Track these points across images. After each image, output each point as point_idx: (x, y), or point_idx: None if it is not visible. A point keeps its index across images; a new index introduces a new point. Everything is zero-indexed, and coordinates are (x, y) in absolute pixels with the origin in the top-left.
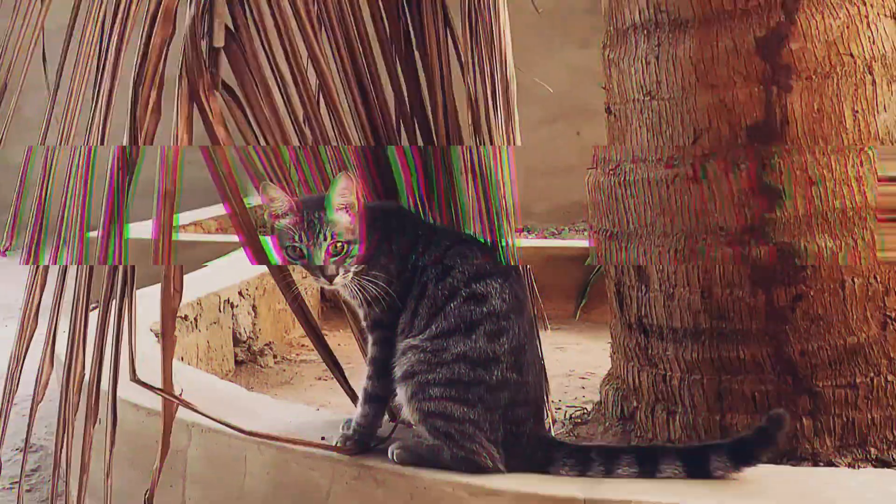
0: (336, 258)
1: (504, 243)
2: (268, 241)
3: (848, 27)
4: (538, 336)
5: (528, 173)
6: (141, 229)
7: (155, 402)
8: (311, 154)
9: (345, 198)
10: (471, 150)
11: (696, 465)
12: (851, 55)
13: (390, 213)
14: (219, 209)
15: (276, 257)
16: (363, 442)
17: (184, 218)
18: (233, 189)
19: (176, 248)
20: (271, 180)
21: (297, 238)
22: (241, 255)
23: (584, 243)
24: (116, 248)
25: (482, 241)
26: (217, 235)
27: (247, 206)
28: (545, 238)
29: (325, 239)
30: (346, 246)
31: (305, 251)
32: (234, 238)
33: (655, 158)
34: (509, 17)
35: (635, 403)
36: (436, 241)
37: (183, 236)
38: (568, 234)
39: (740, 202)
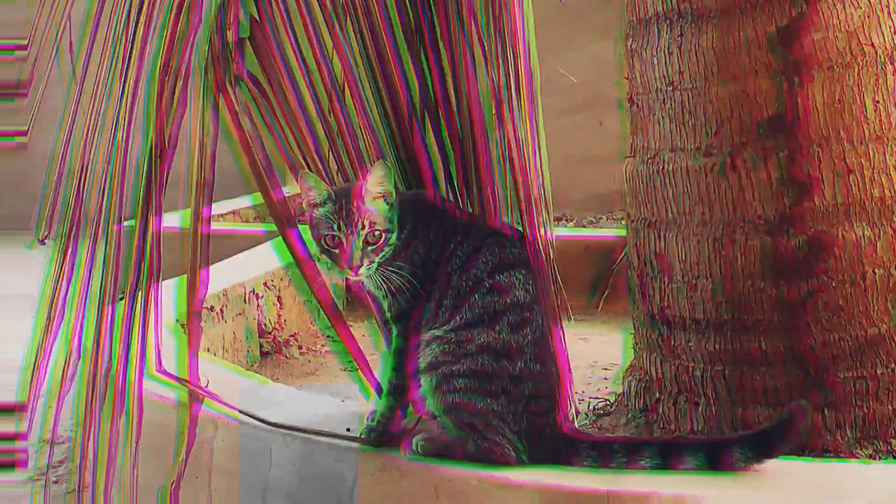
0: (372, 247)
1: (539, 233)
2: (303, 231)
3: (869, 17)
4: (559, 327)
5: (566, 161)
6: (172, 219)
7: (180, 393)
8: (349, 143)
9: (381, 186)
10: (502, 141)
11: (717, 458)
12: (872, 45)
13: (423, 203)
14: (257, 198)
15: (313, 246)
16: (388, 433)
17: (221, 208)
18: (270, 178)
19: (209, 241)
20: (309, 170)
21: (334, 227)
22: (269, 246)
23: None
24: (150, 239)
25: (513, 231)
26: (255, 225)
27: (283, 195)
28: (583, 227)
29: (363, 228)
30: (382, 234)
31: (343, 240)
32: (272, 227)
33: (693, 147)
34: (531, 6)
35: (658, 395)
36: (472, 231)
37: (221, 226)
38: (605, 222)
39: (776, 192)
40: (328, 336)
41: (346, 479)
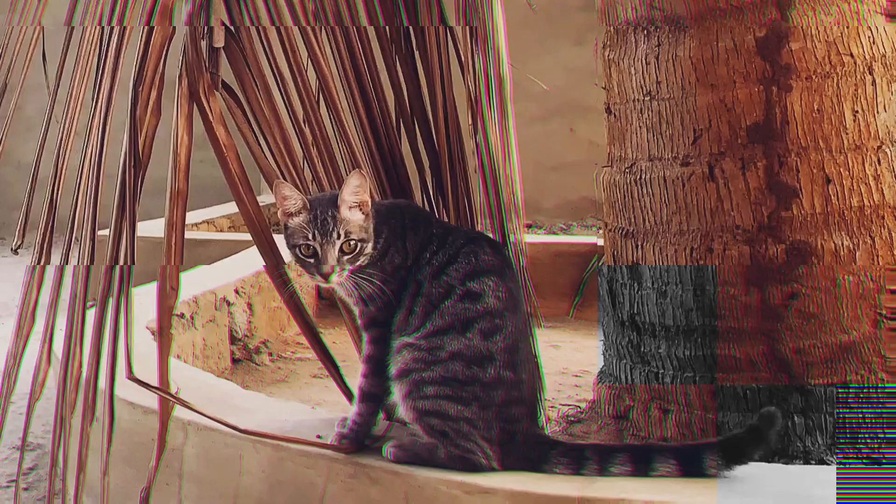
0: (349, 256)
1: (512, 239)
2: (279, 240)
3: (848, 27)
4: (533, 334)
5: (537, 168)
6: (148, 227)
7: (151, 400)
8: (324, 152)
9: (357, 196)
10: (478, 148)
11: (690, 464)
12: (851, 55)
13: (401, 212)
14: (231, 207)
15: (287, 255)
16: (359, 440)
17: (196, 216)
18: (244, 187)
19: (185, 247)
20: (284, 179)
21: (309, 236)
22: (242, 254)
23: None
24: (126, 247)
25: (491, 237)
26: (229, 234)
27: (259, 204)
28: (554, 234)
29: (339, 237)
30: (358, 244)
31: (318, 249)
32: (246, 236)
33: (671, 157)
34: (504, 14)
35: (629, 402)
36: (449, 239)
37: (194, 234)
38: (577, 229)
39: (755, 200)
40: (300, 343)
41: (317, 485)
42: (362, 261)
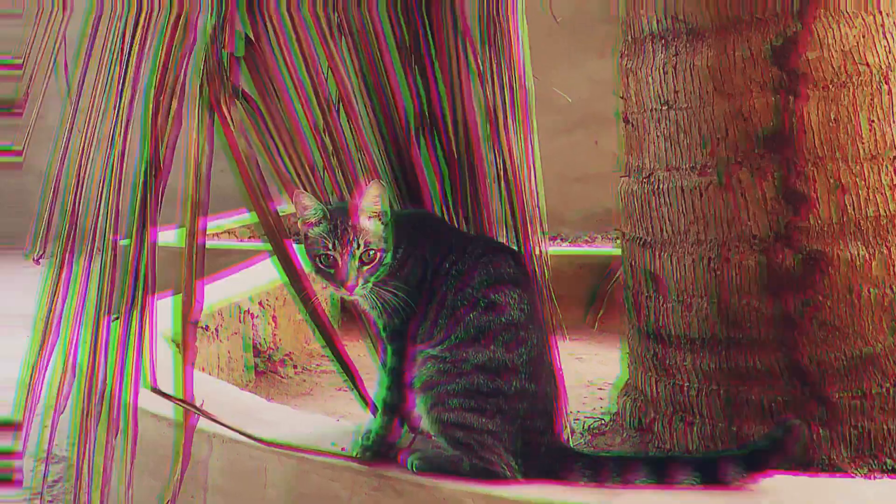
0: (368, 266)
1: (536, 251)
2: (299, 250)
3: (864, 36)
4: (553, 345)
5: (561, 180)
6: (168, 236)
7: (176, 412)
8: (343, 162)
9: (376, 205)
10: (498, 158)
11: (711, 474)
12: (867, 64)
13: (419, 222)
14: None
15: (307, 265)
16: (381, 452)
17: (216, 224)
18: (263, 196)
19: (204, 257)
20: (304, 188)
21: (329, 246)
22: (264, 265)
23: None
24: (145, 256)
25: (513, 249)
26: (250, 243)
27: (279, 213)
28: (578, 245)
29: (358, 247)
30: (377, 254)
31: (338, 259)
32: (266, 246)
33: (688, 166)
34: (527, 25)
35: (652, 414)
36: (468, 249)
37: (215, 243)
38: (601, 241)
39: (771, 210)
40: (324, 355)
41: (342, 498)
42: (381, 271)
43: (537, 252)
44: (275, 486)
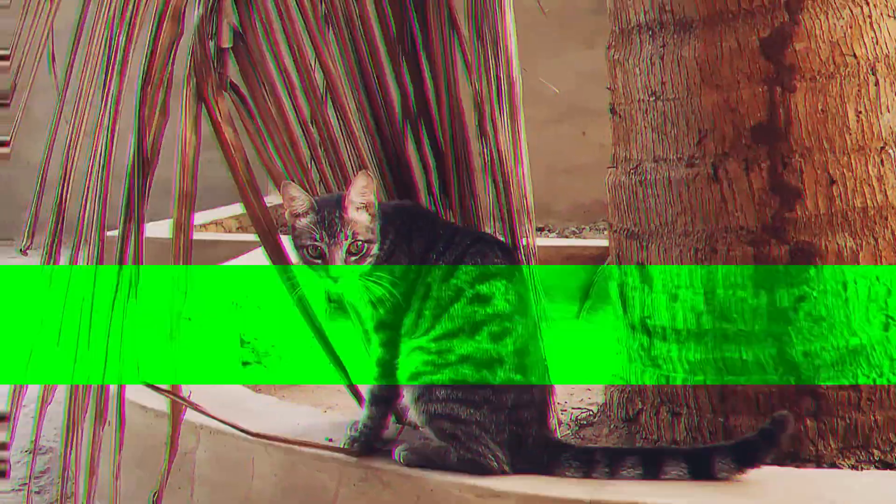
0: (355, 257)
1: (525, 242)
2: (286, 241)
3: (852, 27)
4: (542, 337)
5: (549, 172)
6: (157, 229)
7: (163, 403)
8: (331, 153)
9: (364, 197)
10: (487, 150)
11: (700, 467)
12: (855, 56)
13: (407, 213)
14: (239, 208)
15: (293, 256)
16: (369, 443)
17: (204, 217)
18: (252, 188)
19: (191, 248)
20: (291, 179)
21: (316, 237)
22: (251, 255)
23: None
24: (133, 248)
25: (501, 240)
26: (237, 234)
27: (266, 205)
28: (565, 237)
29: (346, 238)
30: (365, 245)
31: (326, 250)
32: (254, 237)
33: (675, 157)
34: (514, 17)
35: (639, 405)
36: (455, 241)
37: (203, 235)
38: (589, 233)
39: (760, 201)
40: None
41: (329, 489)
42: (369, 262)
43: (525, 244)
44: (262, 477)
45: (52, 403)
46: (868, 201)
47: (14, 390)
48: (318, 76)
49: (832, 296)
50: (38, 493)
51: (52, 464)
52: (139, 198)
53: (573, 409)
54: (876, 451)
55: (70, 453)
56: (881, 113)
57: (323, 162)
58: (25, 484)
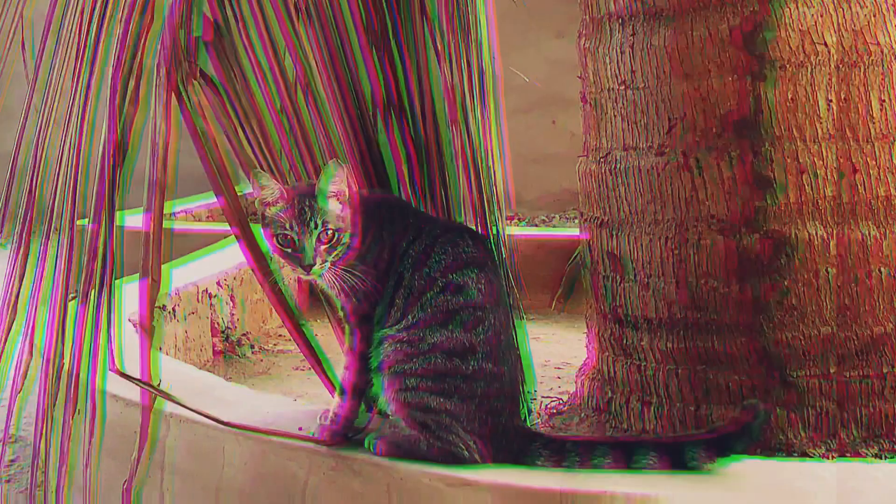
0: (327, 246)
1: (496, 231)
2: (258, 230)
3: (821, 16)
4: (516, 326)
5: (518, 161)
6: (132, 219)
7: (135, 392)
8: (302, 143)
9: (336, 186)
10: (461, 139)
11: (673, 457)
12: (825, 44)
13: (382, 204)
14: (210, 198)
15: (266, 246)
16: (342, 433)
17: (175, 207)
18: (224, 178)
19: (164, 238)
20: (262, 169)
21: (287, 226)
22: (223, 246)
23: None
24: (107, 238)
25: (473, 230)
26: (208, 224)
27: (238, 194)
28: (535, 226)
29: (316, 227)
30: (336, 234)
31: (296, 239)
32: (226, 227)
33: (646, 146)
34: (486, 5)
35: (611, 394)
36: (426, 230)
37: (175, 225)
38: (559, 222)
39: (732, 191)
40: (282, 335)
41: (299, 478)
42: (339, 251)
43: (496, 232)
44: (233, 465)
45: (22, 392)
46: (839, 191)
47: None
48: (290, 66)
49: (803, 285)
50: (7, 481)
51: (22, 452)
52: (111, 187)
53: (544, 397)
54: (845, 436)
55: (41, 442)
56: (853, 101)
57: (294, 151)
58: None
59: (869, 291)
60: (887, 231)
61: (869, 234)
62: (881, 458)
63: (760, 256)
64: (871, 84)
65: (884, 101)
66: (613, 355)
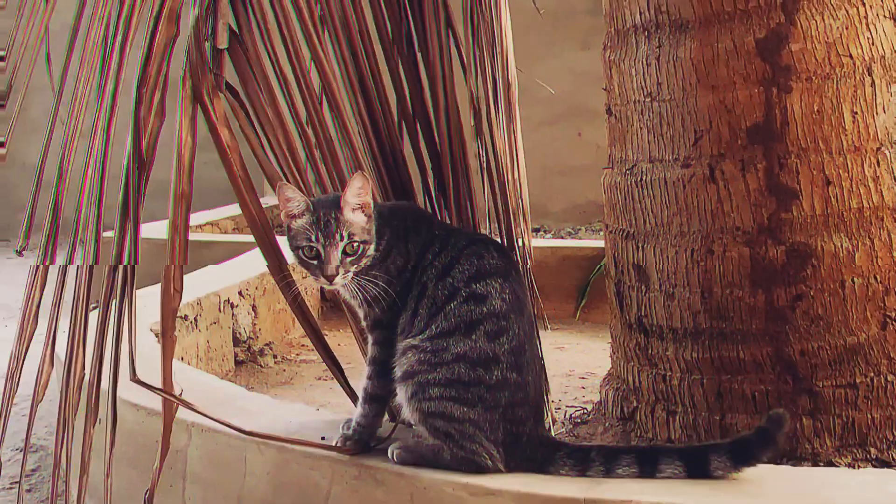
0: (351, 258)
1: (520, 243)
2: (282, 241)
3: (847, 28)
4: (538, 336)
5: (544, 172)
6: (152, 229)
7: (155, 401)
8: (328, 154)
9: (360, 198)
10: (483, 150)
11: (696, 465)
12: (851, 56)
13: (403, 213)
14: (235, 209)
15: (290, 257)
16: (363, 442)
17: (200, 218)
18: (249, 189)
19: (188, 249)
20: (287, 181)
21: (312, 238)
22: (246, 256)
23: (598, 243)
24: (130, 249)
25: (496, 240)
26: (233, 235)
27: (262, 206)
28: (561, 238)
29: (342, 239)
30: (361, 246)
31: (321, 251)
32: (250, 238)
33: (672, 158)
34: (510, 17)
35: (635, 403)
36: (450, 241)
37: (199, 236)
38: (584, 233)
39: (755, 202)
40: (304, 345)
41: (321, 487)
42: (365, 262)
43: (521, 244)
44: (254, 475)
45: (44, 401)
46: (864, 202)
47: (6, 388)
48: (315, 77)
49: (828, 294)
50: (29, 490)
51: (43, 462)
52: (136, 198)
53: (568, 406)
54: (872, 449)
55: (62, 451)
56: (877, 113)
57: (319, 163)
58: (17, 482)
59: None
60: (859, 243)
61: (842, 245)
62: (855, 466)
63: (788, 267)
64: (844, 96)
65: (855, 112)
66: (638, 365)
